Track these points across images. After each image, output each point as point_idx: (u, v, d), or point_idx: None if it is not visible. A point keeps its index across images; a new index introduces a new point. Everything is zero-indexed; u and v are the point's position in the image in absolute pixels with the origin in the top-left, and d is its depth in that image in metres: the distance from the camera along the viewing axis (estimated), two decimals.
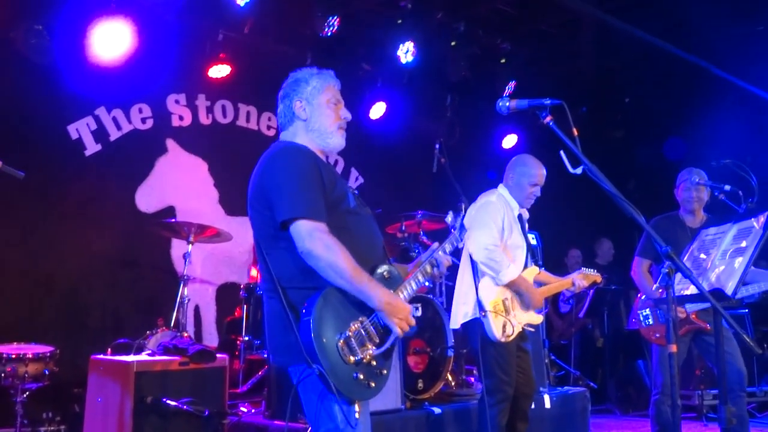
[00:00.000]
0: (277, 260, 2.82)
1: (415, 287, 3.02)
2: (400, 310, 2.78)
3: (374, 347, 2.76)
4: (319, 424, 2.76)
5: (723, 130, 7.76)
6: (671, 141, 8.71)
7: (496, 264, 4.45)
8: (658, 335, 5.25)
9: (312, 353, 2.62)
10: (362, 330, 2.75)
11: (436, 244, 3.23)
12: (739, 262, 3.14)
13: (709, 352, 5.20)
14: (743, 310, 8.01)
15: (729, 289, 3.08)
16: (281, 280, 2.79)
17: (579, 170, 2.93)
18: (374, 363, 2.75)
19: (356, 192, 3.13)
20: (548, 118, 2.96)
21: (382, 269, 2.93)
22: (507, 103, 3.06)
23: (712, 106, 8.04)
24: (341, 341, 2.68)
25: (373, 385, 2.74)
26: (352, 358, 2.68)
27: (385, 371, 2.81)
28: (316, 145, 3.03)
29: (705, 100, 8.18)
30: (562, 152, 2.94)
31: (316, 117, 3.02)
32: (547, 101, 2.97)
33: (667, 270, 2.83)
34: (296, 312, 2.72)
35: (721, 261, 3.26)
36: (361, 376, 2.70)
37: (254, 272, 6.77)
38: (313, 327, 2.63)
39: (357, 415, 2.72)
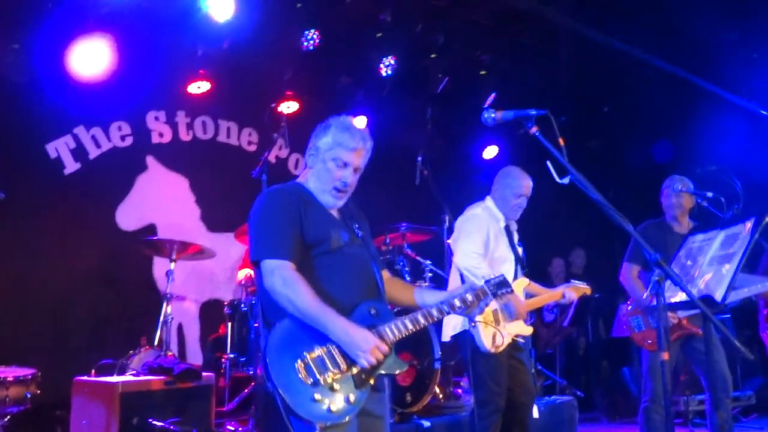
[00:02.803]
0: (261, 293, 3.00)
1: (414, 326, 2.99)
2: (360, 343, 2.80)
3: (338, 373, 2.79)
4: None
5: (706, 137, 7.83)
6: (657, 146, 8.77)
7: (476, 270, 4.44)
8: (650, 341, 5.23)
9: (266, 370, 2.74)
10: (325, 355, 2.80)
11: (464, 289, 3.19)
12: (727, 269, 3.15)
13: (696, 357, 5.21)
14: (725, 315, 8.07)
15: (718, 296, 3.09)
16: (265, 312, 2.97)
17: (566, 180, 2.93)
18: (336, 387, 2.77)
19: (358, 233, 3.17)
20: (534, 129, 2.96)
21: (368, 306, 2.97)
22: (493, 115, 3.07)
23: (693, 113, 8.10)
24: (299, 362, 2.75)
25: (334, 409, 2.75)
26: (309, 380, 2.73)
27: (352, 396, 2.80)
28: (316, 196, 3.12)
29: (685, 108, 8.24)
30: (548, 162, 2.95)
31: (317, 170, 3.12)
32: (533, 112, 2.98)
33: (657, 278, 2.83)
34: None
35: (709, 267, 3.27)
36: (318, 397, 2.72)
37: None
38: (272, 346, 2.77)
39: None
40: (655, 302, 2.90)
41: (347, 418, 2.78)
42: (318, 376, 2.74)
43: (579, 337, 9.37)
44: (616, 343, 8.77)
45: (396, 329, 2.94)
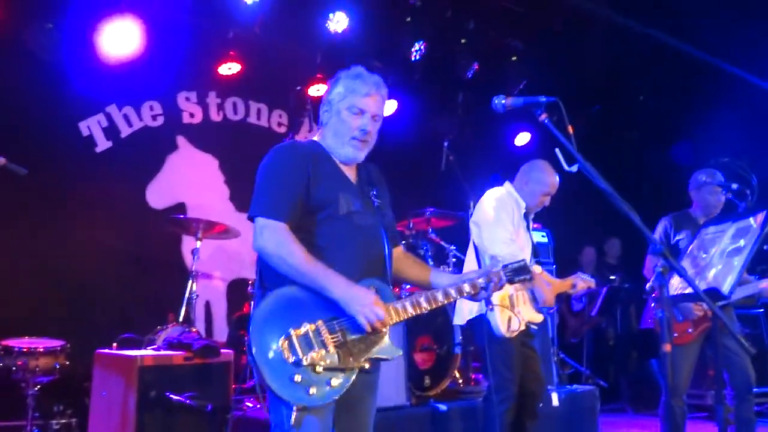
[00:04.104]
0: (260, 259, 2.85)
1: (415, 309, 2.81)
2: (359, 299, 2.66)
3: (323, 353, 2.62)
4: (272, 420, 2.74)
5: (734, 129, 7.68)
6: (680, 144, 8.64)
7: (514, 258, 4.39)
8: (676, 334, 5.16)
9: (250, 342, 2.61)
10: (312, 333, 2.63)
11: (477, 273, 2.98)
12: (737, 261, 3.11)
13: (721, 353, 5.14)
14: (758, 310, 7.92)
15: (725, 288, 3.06)
16: (263, 277, 2.83)
17: (574, 168, 2.92)
18: (319, 369, 2.61)
19: (374, 201, 3.01)
20: (543, 116, 2.95)
21: (368, 284, 2.77)
22: (503, 101, 3.07)
23: (724, 106, 7.96)
24: (282, 339, 2.60)
25: (313, 392, 2.59)
26: (291, 359, 2.58)
27: (335, 381, 2.64)
28: (333, 153, 2.96)
29: (717, 99, 8.09)
30: (557, 150, 2.94)
31: (333, 124, 2.95)
32: (543, 99, 2.96)
33: (661, 269, 2.82)
34: None
35: (720, 260, 3.24)
36: (298, 379, 2.57)
37: None
38: (258, 317, 2.63)
39: (293, 420, 2.59)
40: (668, 292, 2.89)
41: (326, 403, 2.64)
42: (300, 356, 2.58)
43: (607, 327, 9.30)
44: (647, 334, 8.68)
45: (395, 312, 2.76)
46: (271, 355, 2.59)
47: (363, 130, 2.92)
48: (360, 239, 2.86)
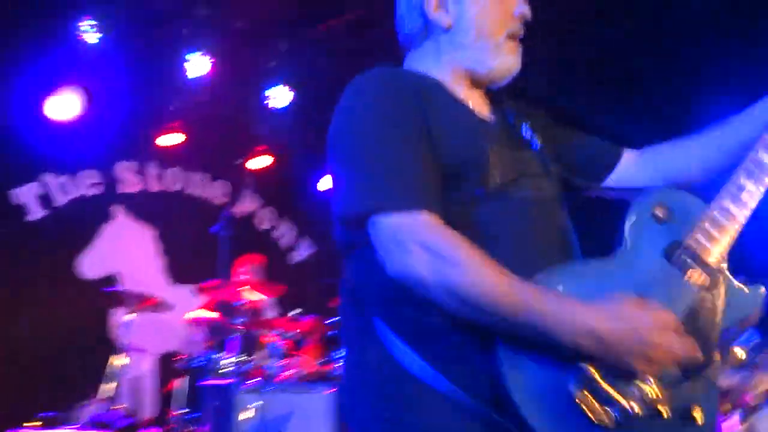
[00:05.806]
0: (356, 273, 1.61)
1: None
2: (649, 326, 1.32)
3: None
4: None
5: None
6: None
7: None
8: None
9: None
10: (600, 373, 1.36)
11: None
12: None
13: None
14: None
15: None
16: (367, 305, 1.56)
17: None
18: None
19: (532, 143, 1.71)
20: None
21: (551, 282, 1.44)
22: None
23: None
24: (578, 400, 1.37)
25: None
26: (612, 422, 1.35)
27: None
28: (462, 72, 1.70)
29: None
30: None
31: (467, 20, 1.67)
32: None
33: None
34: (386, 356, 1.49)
35: None
36: None
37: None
38: (523, 391, 1.39)
39: None
40: None
41: None
42: (626, 407, 1.32)
43: None
44: None
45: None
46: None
47: (523, 16, 1.71)
48: (532, 227, 1.56)
